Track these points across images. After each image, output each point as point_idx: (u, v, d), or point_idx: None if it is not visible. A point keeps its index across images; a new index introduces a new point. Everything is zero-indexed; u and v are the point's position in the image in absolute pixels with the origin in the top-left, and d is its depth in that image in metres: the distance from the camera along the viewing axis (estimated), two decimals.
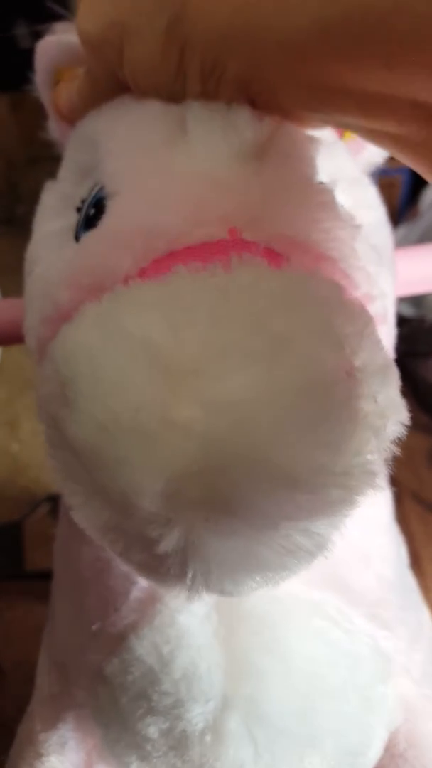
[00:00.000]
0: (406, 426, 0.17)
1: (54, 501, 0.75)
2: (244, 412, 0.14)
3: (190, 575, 0.17)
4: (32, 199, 0.28)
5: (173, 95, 0.22)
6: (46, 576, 0.34)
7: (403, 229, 0.78)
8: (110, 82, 0.24)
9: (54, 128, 0.29)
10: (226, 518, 0.15)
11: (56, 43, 0.27)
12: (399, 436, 0.17)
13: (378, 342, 0.17)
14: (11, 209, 1.13)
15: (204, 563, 0.16)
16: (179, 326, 0.15)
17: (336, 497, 0.15)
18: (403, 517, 0.32)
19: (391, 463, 0.17)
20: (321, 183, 0.22)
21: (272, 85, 0.20)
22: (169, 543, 0.15)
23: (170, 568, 0.17)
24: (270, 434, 0.14)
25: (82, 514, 0.17)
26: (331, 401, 0.15)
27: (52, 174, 0.28)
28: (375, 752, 0.28)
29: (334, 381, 0.15)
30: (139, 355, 0.15)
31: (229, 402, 0.14)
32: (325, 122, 0.22)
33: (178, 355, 0.15)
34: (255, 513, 0.15)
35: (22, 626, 0.69)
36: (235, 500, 0.15)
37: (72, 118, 0.27)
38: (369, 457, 0.16)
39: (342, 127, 0.21)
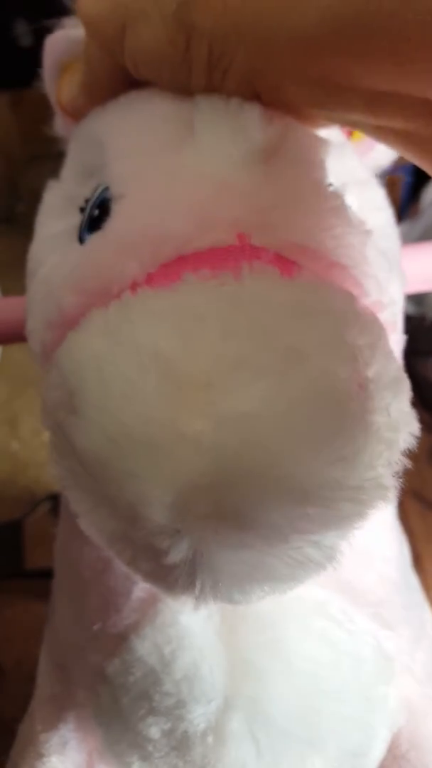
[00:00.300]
0: (416, 436, 0.17)
1: (54, 500, 0.75)
2: (256, 425, 0.14)
3: (198, 586, 0.17)
4: (32, 197, 0.27)
5: (176, 85, 0.22)
6: (46, 575, 0.34)
7: (404, 227, 0.77)
8: (112, 71, 0.23)
9: (60, 125, 0.29)
10: (236, 532, 0.15)
11: (65, 37, 0.27)
12: (409, 447, 0.17)
13: (390, 353, 0.17)
14: (11, 207, 1.12)
15: (213, 575, 0.16)
16: (190, 338, 0.15)
17: (348, 511, 0.15)
18: (403, 516, 0.32)
19: (399, 475, 0.17)
20: (331, 186, 0.22)
21: (279, 79, 0.20)
22: (177, 554, 0.15)
23: (178, 578, 0.17)
24: (282, 448, 0.14)
25: (88, 522, 0.17)
26: (344, 415, 0.15)
27: (52, 172, 0.28)
28: (377, 753, 0.28)
29: (347, 395, 0.15)
30: (148, 366, 0.15)
31: (241, 415, 0.14)
32: (330, 119, 0.22)
33: (188, 368, 0.15)
34: (265, 527, 0.15)
35: (23, 625, 0.69)
36: (245, 514, 0.14)
37: (75, 112, 0.26)
38: (381, 470, 0.16)
39: (348, 125, 0.21)
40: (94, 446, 0.15)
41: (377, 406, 0.15)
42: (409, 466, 0.17)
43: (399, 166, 0.82)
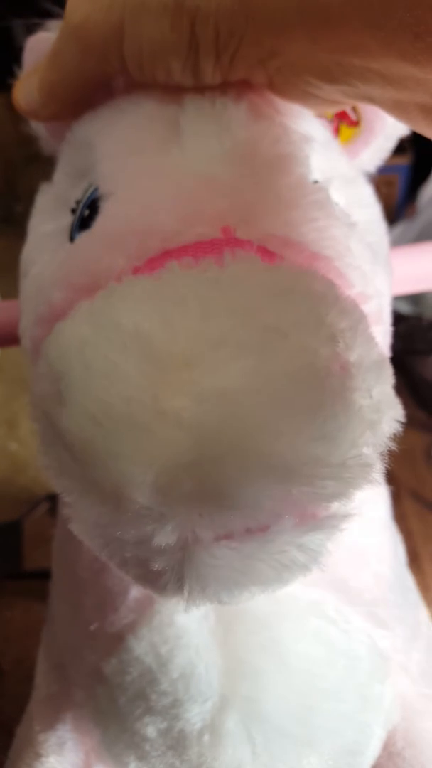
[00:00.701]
0: (405, 424, 0.17)
1: (53, 500, 0.75)
2: (237, 402, 0.14)
3: (186, 590, 0.17)
4: (30, 198, 0.28)
5: (183, 78, 0.21)
6: (45, 575, 0.34)
7: (400, 227, 0.77)
8: (89, 76, 0.23)
9: (37, 124, 0.29)
10: (220, 513, 0.15)
11: (48, 39, 0.27)
12: (394, 432, 0.17)
13: (372, 338, 0.17)
14: (9, 208, 1.13)
15: (200, 580, 0.17)
16: (171, 318, 0.15)
17: (332, 490, 0.15)
18: (401, 516, 0.32)
19: (389, 460, 0.17)
20: (315, 182, 0.22)
21: (292, 58, 0.19)
22: (162, 538, 0.15)
23: (167, 583, 0.17)
24: (263, 424, 0.14)
25: (77, 516, 0.17)
26: (324, 392, 0.15)
27: (50, 173, 0.28)
28: (373, 751, 0.28)
29: (327, 372, 0.15)
30: (130, 346, 0.15)
31: (221, 392, 0.14)
32: (346, 95, 0.21)
33: (169, 347, 0.15)
34: (249, 506, 0.15)
35: (21, 625, 0.69)
36: (229, 493, 0.14)
37: (32, 114, 0.26)
38: (365, 450, 0.16)
39: (365, 101, 0.20)
40: (78, 427, 0.15)
41: (359, 386, 0.15)
42: (397, 452, 0.17)
43: (395, 165, 0.82)
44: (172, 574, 0.16)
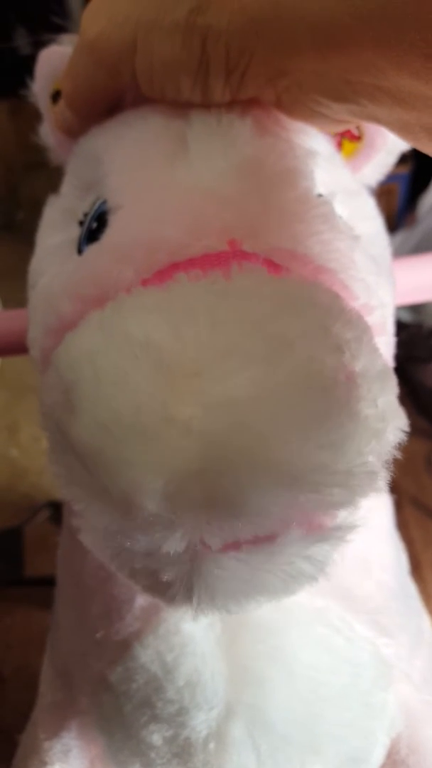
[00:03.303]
0: (406, 431, 0.17)
1: (54, 507, 0.75)
2: (244, 411, 0.14)
3: (195, 600, 0.17)
4: (31, 205, 0.28)
5: (192, 95, 0.22)
6: (45, 582, 0.34)
7: (400, 236, 0.78)
8: (103, 90, 0.24)
9: (46, 134, 0.29)
10: (228, 520, 0.15)
11: (60, 53, 0.28)
12: (399, 442, 0.17)
13: (376, 349, 0.17)
14: (10, 215, 1.13)
15: (209, 590, 0.17)
16: (180, 328, 0.15)
17: (338, 497, 0.16)
18: (402, 523, 0.32)
19: (390, 468, 0.17)
20: (320, 195, 0.22)
21: (301, 76, 0.20)
22: (171, 545, 0.16)
23: (176, 594, 0.17)
24: (270, 432, 0.14)
25: (86, 523, 0.18)
26: (331, 401, 0.15)
27: (51, 180, 0.28)
28: (377, 758, 0.28)
29: (334, 382, 0.15)
30: (140, 356, 0.15)
31: (229, 401, 0.14)
32: (353, 114, 0.21)
33: (178, 356, 0.15)
34: (256, 513, 0.15)
35: (22, 632, 0.69)
36: (237, 500, 0.15)
37: (67, 131, 0.27)
38: (370, 458, 0.16)
39: (372, 120, 0.21)
40: (88, 436, 0.15)
41: (365, 396, 0.16)
42: (398, 459, 0.17)
43: (395, 175, 0.83)
44: (181, 585, 0.17)
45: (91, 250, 0.21)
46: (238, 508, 0.15)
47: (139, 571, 0.18)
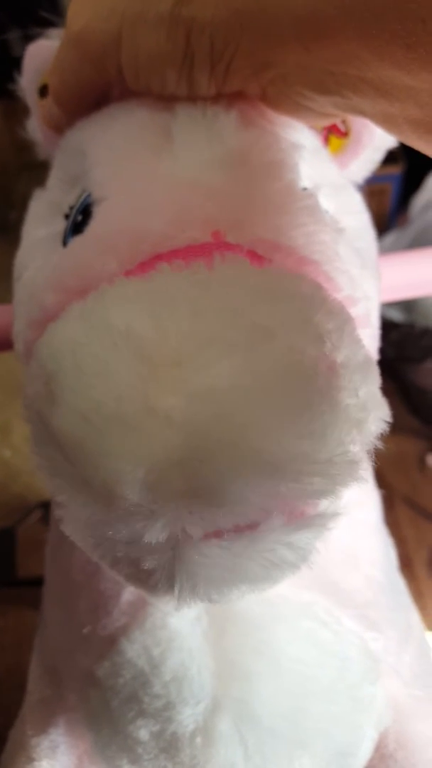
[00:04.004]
0: (397, 430, 0.17)
1: (46, 508, 0.75)
2: (225, 400, 0.14)
3: (177, 588, 0.17)
4: (24, 205, 0.28)
5: (178, 88, 0.22)
6: (38, 583, 0.34)
7: (392, 236, 0.78)
8: (88, 83, 0.24)
9: (34, 129, 0.30)
10: (209, 510, 0.15)
11: (48, 47, 0.28)
12: (381, 432, 0.17)
13: (359, 340, 0.17)
14: (4, 215, 1.13)
15: (190, 579, 0.17)
16: (161, 318, 0.15)
17: (319, 486, 0.16)
18: (395, 521, 0.33)
19: (381, 466, 0.17)
20: (304, 189, 0.22)
21: (285, 68, 0.20)
22: (152, 535, 0.16)
23: (158, 582, 0.17)
24: (251, 421, 0.14)
25: (69, 513, 0.18)
26: (311, 390, 0.15)
27: (44, 180, 0.28)
28: (365, 753, 0.28)
29: (314, 371, 0.15)
30: (121, 346, 0.15)
31: (211, 391, 0.15)
32: (338, 107, 0.21)
33: (160, 346, 0.15)
34: (237, 502, 0.15)
35: (14, 633, 0.69)
36: (218, 490, 0.15)
37: (54, 125, 0.27)
38: (351, 448, 0.16)
39: (356, 113, 0.21)
40: (69, 426, 0.15)
41: (346, 386, 0.16)
42: (390, 458, 0.17)
43: (387, 175, 0.83)
44: (163, 573, 0.17)
45: (75, 241, 0.21)
46: (219, 497, 0.15)
47: (121, 559, 0.18)
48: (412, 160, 0.78)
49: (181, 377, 0.15)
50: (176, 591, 0.17)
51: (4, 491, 0.82)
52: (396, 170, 0.79)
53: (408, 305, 0.74)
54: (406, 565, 0.33)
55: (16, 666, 0.66)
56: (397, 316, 0.74)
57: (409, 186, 0.79)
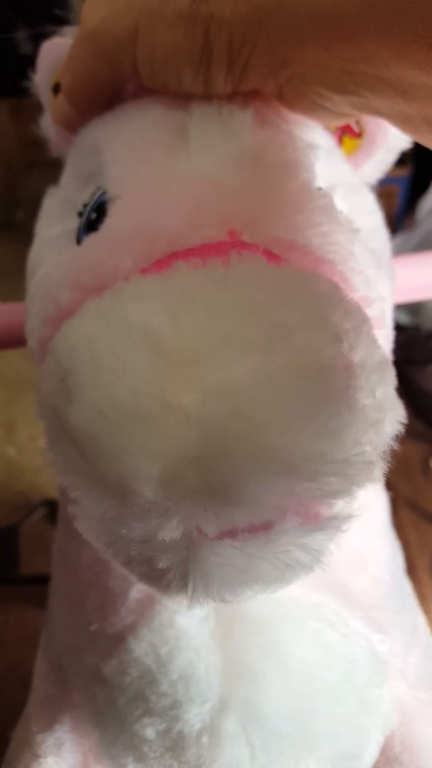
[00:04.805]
0: (403, 433, 0.17)
1: (50, 505, 0.75)
2: (242, 398, 0.14)
3: (191, 588, 0.17)
4: (31, 203, 0.28)
5: (194, 85, 0.22)
6: (40, 580, 0.34)
7: (399, 238, 0.78)
8: (102, 80, 0.23)
9: (47, 126, 0.30)
10: (224, 508, 0.15)
11: (61, 44, 0.28)
12: (396, 433, 0.17)
13: (375, 340, 0.17)
14: (10, 214, 1.13)
15: (204, 578, 0.17)
16: (179, 315, 0.15)
17: (335, 486, 0.16)
18: (398, 525, 0.32)
19: (387, 470, 0.17)
20: (319, 188, 0.22)
21: (303, 67, 0.20)
22: (167, 532, 0.16)
23: (171, 581, 0.17)
24: (268, 420, 0.14)
25: (83, 511, 0.18)
26: (329, 390, 0.15)
27: (51, 179, 0.28)
28: (370, 755, 0.28)
29: (332, 371, 0.15)
30: (139, 342, 0.15)
31: (227, 388, 0.14)
32: (355, 106, 0.21)
33: (177, 343, 0.15)
34: (253, 501, 0.15)
35: (17, 631, 0.69)
36: (234, 487, 0.15)
37: (66, 124, 0.27)
38: (367, 448, 0.16)
39: (373, 113, 0.21)
40: (86, 422, 0.15)
41: (363, 386, 0.16)
42: (395, 462, 0.17)
43: (395, 177, 0.83)
44: (177, 572, 0.17)
45: (90, 239, 0.21)
46: (234, 495, 0.15)
47: (135, 558, 0.18)
48: (419, 162, 0.78)
49: (199, 374, 0.15)
50: (189, 590, 0.17)
51: (8, 489, 0.82)
52: (403, 173, 0.79)
53: (414, 308, 0.74)
54: (410, 568, 0.32)
55: (18, 663, 0.67)
56: (403, 318, 0.74)
57: (417, 188, 0.79)
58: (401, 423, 0.17)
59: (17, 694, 0.33)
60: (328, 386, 0.15)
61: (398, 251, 0.76)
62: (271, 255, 0.19)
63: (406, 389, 0.75)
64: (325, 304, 0.16)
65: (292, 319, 0.15)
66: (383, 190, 0.79)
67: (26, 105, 0.31)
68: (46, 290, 0.22)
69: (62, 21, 0.31)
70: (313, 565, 0.18)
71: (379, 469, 0.17)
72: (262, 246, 0.19)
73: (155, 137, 0.22)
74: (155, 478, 0.15)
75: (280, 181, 0.21)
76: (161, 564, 0.17)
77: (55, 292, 0.21)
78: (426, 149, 0.21)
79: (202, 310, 0.15)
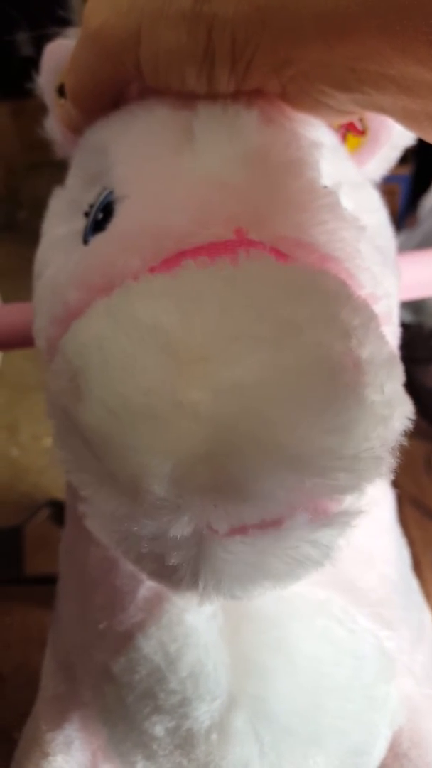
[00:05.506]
0: (411, 419, 0.17)
1: (54, 506, 0.75)
2: (252, 395, 0.15)
3: (201, 584, 0.17)
4: (32, 204, 0.28)
5: (197, 85, 0.22)
6: (45, 581, 0.34)
7: (401, 237, 0.78)
8: (106, 81, 0.24)
9: (51, 128, 0.30)
10: (235, 504, 0.15)
11: (66, 45, 0.28)
12: (405, 429, 0.17)
13: (383, 336, 0.17)
14: (12, 215, 1.13)
15: (215, 575, 0.17)
16: (188, 313, 0.15)
17: (344, 482, 0.16)
18: (402, 523, 0.32)
19: (395, 456, 0.17)
20: (325, 186, 0.23)
21: (306, 65, 0.20)
22: (178, 529, 0.16)
23: (182, 579, 0.17)
24: (277, 416, 0.14)
25: (93, 511, 0.18)
26: (338, 386, 0.15)
27: (52, 180, 0.28)
28: (379, 751, 0.28)
29: (341, 367, 0.15)
30: (148, 341, 0.15)
31: (237, 386, 0.15)
32: (358, 104, 0.21)
33: (187, 341, 0.15)
34: (263, 497, 0.15)
35: (21, 631, 0.69)
36: (244, 484, 0.15)
37: (72, 126, 0.27)
38: (376, 444, 0.16)
39: (377, 110, 0.21)
40: (96, 420, 0.15)
41: (372, 382, 0.16)
42: (398, 460, 0.17)
43: (397, 175, 0.83)
44: (187, 569, 0.17)
45: (98, 239, 0.22)
46: (245, 491, 0.15)
47: (145, 555, 0.18)
48: (421, 161, 0.78)
49: (208, 372, 0.15)
50: (200, 587, 0.17)
51: (12, 490, 0.82)
52: (405, 171, 0.79)
53: (417, 306, 0.74)
54: (414, 567, 0.33)
55: (23, 664, 0.67)
56: (405, 316, 0.74)
57: (418, 187, 0.80)
58: (409, 419, 0.17)
59: (22, 694, 0.33)
60: (337, 382, 0.15)
61: (400, 249, 0.76)
62: (277, 253, 0.19)
63: (409, 387, 0.75)
64: (333, 300, 0.16)
65: (301, 316, 0.15)
66: (385, 188, 0.79)
67: (28, 106, 0.31)
68: (54, 290, 0.22)
69: (64, 22, 0.31)
70: (322, 561, 0.18)
71: (388, 465, 0.17)
72: (269, 244, 0.19)
73: (161, 137, 0.22)
74: (166, 476, 0.15)
75: (286, 180, 0.21)
76: (172, 561, 0.17)
77: (63, 292, 0.21)
78: (428, 148, 0.21)
79: (211, 307, 0.15)
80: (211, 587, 0.17)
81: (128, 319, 0.16)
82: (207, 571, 0.17)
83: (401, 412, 0.17)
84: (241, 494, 0.15)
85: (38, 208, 0.28)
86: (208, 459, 0.14)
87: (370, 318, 0.17)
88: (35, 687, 0.32)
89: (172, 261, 0.19)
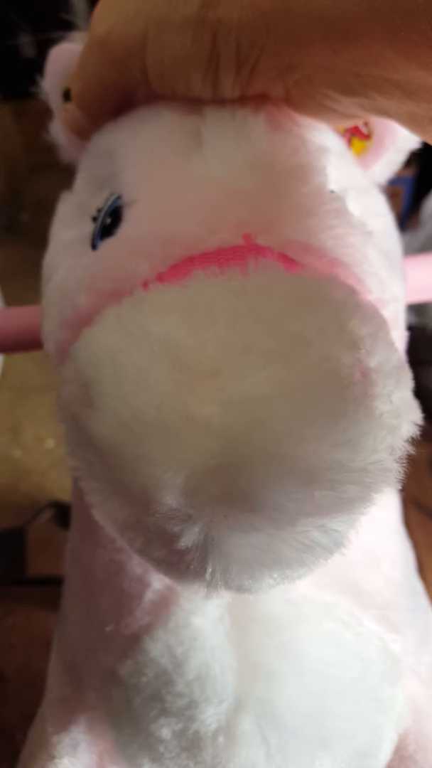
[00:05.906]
0: (419, 424, 0.17)
1: (57, 507, 0.75)
2: (262, 409, 0.15)
3: (209, 571, 0.17)
4: (35, 206, 0.28)
5: (202, 90, 0.22)
6: (47, 582, 0.34)
7: (404, 239, 0.78)
8: (112, 86, 0.24)
9: (57, 132, 0.30)
10: (245, 515, 0.15)
11: (71, 50, 0.28)
12: (413, 435, 0.17)
13: (392, 344, 0.17)
14: (14, 217, 1.13)
15: (223, 559, 0.17)
16: (199, 327, 0.16)
17: (353, 494, 0.16)
18: (405, 526, 0.33)
19: (402, 473, 0.17)
20: (332, 192, 0.23)
21: (310, 70, 0.20)
22: (189, 539, 0.16)
23: (190, 564, 0.17)
24: (287, 430, 0.15)
25: (102, 511, 0.18)
26: (347, 400, 0.15)
27: (55, 182, 0.28)
28: (385, 754, 0.28)
29: (350, 379, 0.15)
30: (160, 355, 0.15)
31: (248, 399, 0.15)
32: (363, 108, 0.21)
33: (198, 355, 0.15)
34: (273, 509, 0.15)
35: (24, 632, 0.69)
36: (254, 496, 0.15)
37: (78, 131, 0.27)
38: (385, 455, 0.16)
39: (381, 114, 0.21)
40: (109, 432, 0.15)
41: (380, 393, 0.16)
42: (411, 451, 0.17)
43: (400, 177, 0.83)
44: (196, 554, 0.17)
45: (107, 244, 0.22)
46: (255, 503, 0.15)
47: (153, 541, 0.18)
48: (424, 163, 0.78)
49: (219, 386, 0.15)
50: (208, 573, 0.17)
51: (15, 491, 0.82)
52: (408, 173, 0.79)
53: (420, 308, 0.74)
54: (418, 569, 0.33)
55: (26, 664, 0.67)
56: (408, 318, 0.74)
57: (421, 189, 0.80)
58: (417, 425, 0.17)
59: (25, 695, 0.33)
60: (346, 396, 0.15)
61: (403, 251, 0.77)
62: (286, 259, 0.19)
63: (413, 390, 0.75)
64: (341, 311, 0.16)
65: (309, 329, 0.16)
66: (388, 191, 0.79)
67: (31, 108, 0.31)
68: (63, 294, 0.22)
69: (67, 25, 0.31)
70: (332, 549, 0.18)
71: (396, 475, 0.17)
72: (277, 250, 0.19)
73: (169, 142, 0.22)
74: (178, 487, 0.15)
75: (294, 185, 0.21)
76: (181, 543, 0.17)
77: (72, 297, 0.21)
78: (431, 150, 0.21)
79: (221, 321, 0.16)
80: (219, 573, 0.17)
81: (140, 333, 0.16)
82: (215, 555, 0.17)
83: (409, 420, 0.17)
84: (251, 506, 0.15)
85: (41, 210, 0.28)
86: (219, 471, 0.15)
87: (378, 326, 0.17)
88: (38, 688, 0.32)
89: (180, 267, 0.19)
